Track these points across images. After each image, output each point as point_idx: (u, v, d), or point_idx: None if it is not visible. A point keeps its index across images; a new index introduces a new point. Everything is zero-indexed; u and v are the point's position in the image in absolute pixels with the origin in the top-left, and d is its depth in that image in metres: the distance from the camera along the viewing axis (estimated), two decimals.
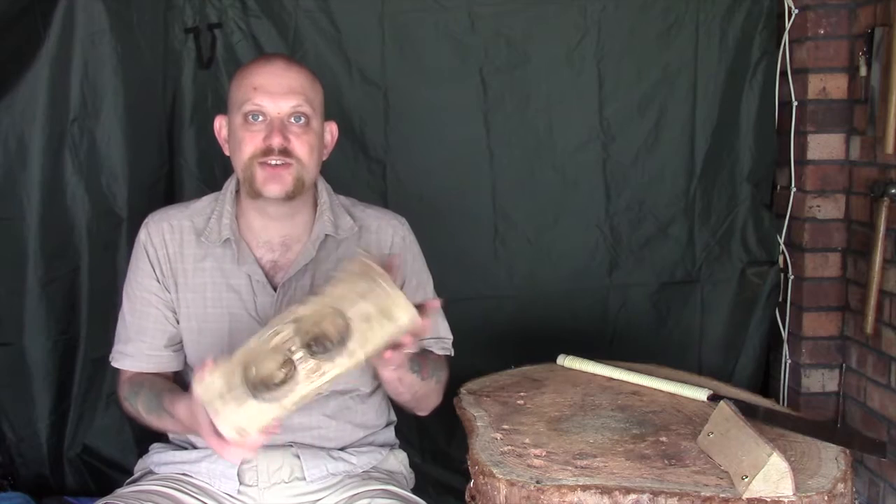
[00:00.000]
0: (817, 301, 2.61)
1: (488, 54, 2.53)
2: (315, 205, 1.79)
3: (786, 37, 2.60)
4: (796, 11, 2.57)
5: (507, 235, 2.59)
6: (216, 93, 2.42)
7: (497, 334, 2.56)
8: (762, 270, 2.68)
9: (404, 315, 1.41)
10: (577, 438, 1.59)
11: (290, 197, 1.68)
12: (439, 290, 1.90)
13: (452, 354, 1.89)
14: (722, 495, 1.37)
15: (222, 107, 1.80)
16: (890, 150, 2.25)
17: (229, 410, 1.39)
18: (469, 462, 1.55)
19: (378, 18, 2.48)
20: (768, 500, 1.36)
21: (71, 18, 2.28)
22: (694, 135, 2.62)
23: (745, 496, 1.36)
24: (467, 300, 2.48)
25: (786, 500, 1.36)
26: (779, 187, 2.72)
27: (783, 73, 2.63)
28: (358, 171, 2.51)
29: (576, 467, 1.46)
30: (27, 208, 2.30)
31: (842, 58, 2.53)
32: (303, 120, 1.69)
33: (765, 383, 2.76)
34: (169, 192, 2.44)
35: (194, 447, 1.78)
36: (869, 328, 2.37)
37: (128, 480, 1.82)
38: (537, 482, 1.41)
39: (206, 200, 1.82)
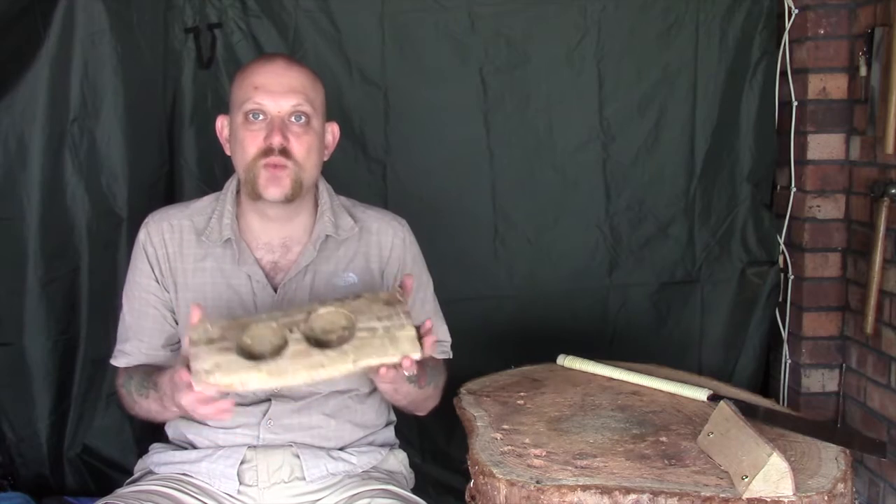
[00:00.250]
0: (817, 301, 2.61)
1: (488, 54, 2.53)
2: (316, 206, 1.79)
3: (786, 37, 2.60)
4: (796, 11, 2.57)
5: (507, 235, 2.60)
6: (216, 93, 2.42)
7: (497, 334, 2.56)
8: (762, 270, 2.68)
9: (408, 346, 1.45)
10: (577, 438, 1.59)
11: (289, 200, 1.68)
12: (439, 290, 1.91)
13: (451, 357, 1.89)
14: (722, 495, 1.37)
15: (222, 107, 1.80)
16: (890, 150, 2.25)
17: (210, 353, 1.42)
18: (469, 462, 1.55)
19: (378, 18, 2.48)
20: (768, 500, 1.36)
21: (71, 18, 2.28)
22: (694, 135, 2.62)
23: (745, 496, 1.36)
24: (467, 300, 2.48)
25: (786, 500, 1.36)
26: (779, 187, 2.72)
27: (783, 73, 2.63)
28: (358, 171, 2.51)
29: (576, 467, 1.46)
30: (27, 208, 2.30)
31: (842, 58, 2.53)
32: (303, 119, 1.69)
33: (765, 383, 2.76)
34: (169, 192, 2.45)
35: (194, 447, 1.78)
36: (869, 328, 2.37)
37: (128, 480, 1.82)
38: (537, 482, 1.41)
39: (207, 200, 1.82)
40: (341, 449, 1.78)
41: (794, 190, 2.63)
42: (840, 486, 1.42)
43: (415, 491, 1.81)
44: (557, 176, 2.59)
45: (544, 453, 1.52)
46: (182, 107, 2.44)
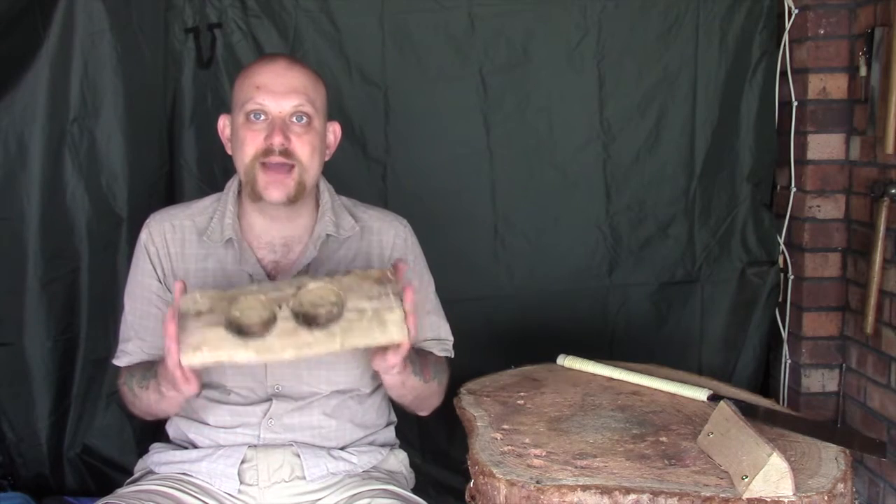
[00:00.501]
0: (817, 301, 2.61)
1: (488, 54, 2.53)
2: (317, 205, 1.79)
3: (786, 37, 2.60)
4: (796, 11, 2.57)
5: (507, 235, 2.59)
6: (216, 93, 2.42)
7: (497, 334, 2.56)
8: (762, 270, 2.68)
9: (395, 330, 1.46)
10: (577, 438, 1.59)
11: (291, 201, 1.68)
12: (439, 290, 1.91)
13: (453, 356, 1.89)
14: (722, 495, 1.37)
15: (222, 107, 1.80)
16: (890, 150, 2.25)
17: (198, 327, 1.44)
18: (469, 462, 1.55)
19: (378, 18, 2.48)
20: (768, 500, 1.36)
21: (71, 18, 2.28)
22: (694, 135, 2.62)
23: (745, 496, 1.36)
24: (467, 300, 2.48)
25: (786, 500, 1.36)
26: (779, 187, 2.72)
27: (783, 73, 2.63)
28: (358, 171, 2.51)
29: (576, 467, 1.46)
30: (27, 208, 2.30)
31: (842, 58, 2.53)
32: (304, 119, 1.69)
33: (765, 383, 2.76)
34: (169, 192, 2.45)
35: (195, 446, 1.78)
36: (869, 328, 2.37)
37: (128, 480, 1.82)
38: (537, 482, 1.41)
39: (209, 200, 1.82)
40: (342, 449, 1.78)
41: (794, 190, 2.63)
42: (840, 486, 1.42)
43: (415, 491, 1.81)
44: (557, 176, 2.59)
45: (544, 453, 1.52)
46: (182, 107, 2.44)
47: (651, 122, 2.60)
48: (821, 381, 2.63)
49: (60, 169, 2.32)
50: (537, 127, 2.57)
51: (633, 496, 1.37)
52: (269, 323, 1.46)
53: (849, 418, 2.57)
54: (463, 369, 1.93)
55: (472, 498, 1.53)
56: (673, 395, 1.83)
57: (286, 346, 1.44)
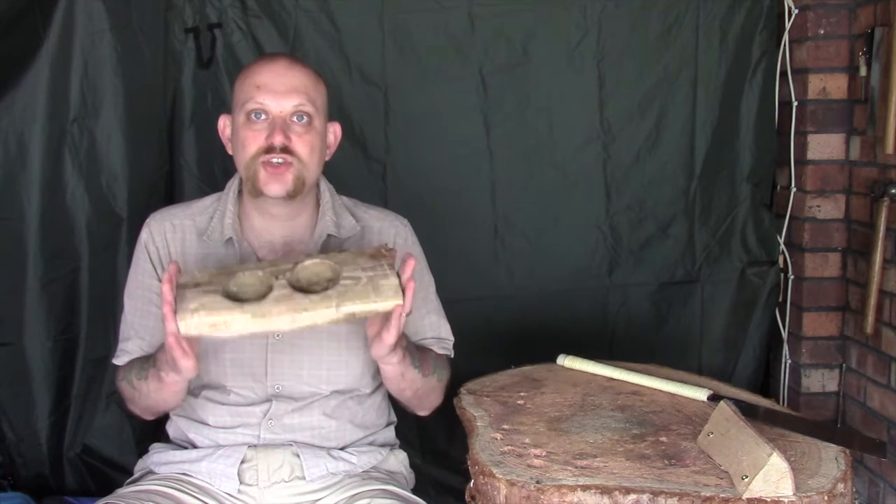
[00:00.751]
0: (817, 301, 2.61)
1: (488, 54, 2.53)
2: (317, 205, 1.79)
3: (786, 37, 2.61)
4: (796, 11, 2.57)
5: (507, 235, 2.60)
6: (216, 93, 2.42)
7: (497, 334, 2.56)
8: (762, 270, 2.68)
9: (391, 293, 1.46)
10: (577, 438, 1.59)
11: (291, 196, 1.68)
12: (439, 290, 1.90)
13: (452, 356, 1.89)
14: (722, 495, 1.37)
15: (222, 107, 1.80)
16: (890, 150, 2.25)
17: (196, 295, 1.45)
18: (469, 462, 1.55)
19: (378, 18, 2.48)
20: (768, 500, 1.36)
21: (71, 18, 2.28)
22: (694, 135, 2.62)
23: (745, 496, 1.36)
24: (467, 300, 2.47)
25: (786, 500, 1.36)
26: (779, 187, 2.72)
27: (783, 73, 2.63)
28: (358, 171, 2.51)
29: (576, 467, 1.46)
30: (27, 208, 2.30)
31: (842, 58, 2.53)
32: (305, 119, 1.69)
33: (765, 383, 2.76)
34: (169, 192, 2.45)
35: (194, 447, 1.78)
36: (869, 328, 2.37)
37: (128, 480, 1.82)
38: (537, 482, 1.41)
39: (209, 200, 1.82)
40: (342, 449, 1.78)
41: (794, 190, 2.63)
42: (840, 486, 1.42)
43: (415, 491, 1.81)
44: (557, 176, 2.59)
45: (544, 453, 1.52)
46: (182, 107, 2.44)
47: (651, 122, 2.60)
48: (821, 381, 2.63)
49: (60, 169, 2.32)
50: (537, 127, 2.57)
51: (633, 496, 1.37)
52: (265, 297, 1.47)
53: (849, 418, 2.58)
54: (463, 369, 1.93)
55: (472, 498, 1.53)
56: (673, 395, 1.83)
57: (282, 310, 1.44)
